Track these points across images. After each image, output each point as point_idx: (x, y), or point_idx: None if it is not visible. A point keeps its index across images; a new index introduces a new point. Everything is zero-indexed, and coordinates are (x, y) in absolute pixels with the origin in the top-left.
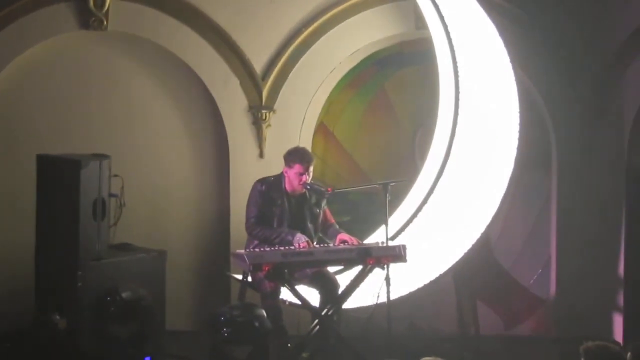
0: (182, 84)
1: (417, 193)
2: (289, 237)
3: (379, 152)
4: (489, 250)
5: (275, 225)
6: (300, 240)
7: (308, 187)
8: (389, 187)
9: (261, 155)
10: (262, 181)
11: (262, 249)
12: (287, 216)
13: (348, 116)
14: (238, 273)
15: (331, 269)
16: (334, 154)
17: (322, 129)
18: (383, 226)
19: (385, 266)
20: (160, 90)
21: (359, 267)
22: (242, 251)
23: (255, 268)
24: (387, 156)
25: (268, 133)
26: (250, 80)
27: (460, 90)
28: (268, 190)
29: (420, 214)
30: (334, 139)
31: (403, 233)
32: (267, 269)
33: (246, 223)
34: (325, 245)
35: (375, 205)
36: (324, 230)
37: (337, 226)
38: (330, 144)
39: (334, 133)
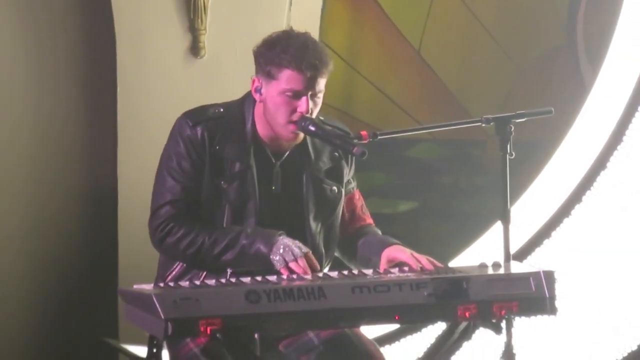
0: None
1: (581, 147)
2: (261, 249)
3: (483, 42)
4: None
5: (225, 223)
6: (289, 256)
7: (313, 129)
8: (512, 127)
9: (196, 49)
10: (195, 117)
11: (196, 282)
12: (259, 202)
13: None
14: (136, 340)
15: (369, 330)
16: (376, 48)
17: None
18: (497, 224)
19: (505, 322)
20: None
21: (440, 326)
22: (149, 286)
23: (179, 329)
24: (507, 51)
25: None
26: None
27: None
28: (212, 138)
29: (592, 192)
30: (375, 8)
31: (546, 243)
32: (209, 331)
33: (153, 219)
34: (355, 272)
35: (474, 174)
36: (350, 239)
37: (380, 231)
38: (368, 21)
39: None
